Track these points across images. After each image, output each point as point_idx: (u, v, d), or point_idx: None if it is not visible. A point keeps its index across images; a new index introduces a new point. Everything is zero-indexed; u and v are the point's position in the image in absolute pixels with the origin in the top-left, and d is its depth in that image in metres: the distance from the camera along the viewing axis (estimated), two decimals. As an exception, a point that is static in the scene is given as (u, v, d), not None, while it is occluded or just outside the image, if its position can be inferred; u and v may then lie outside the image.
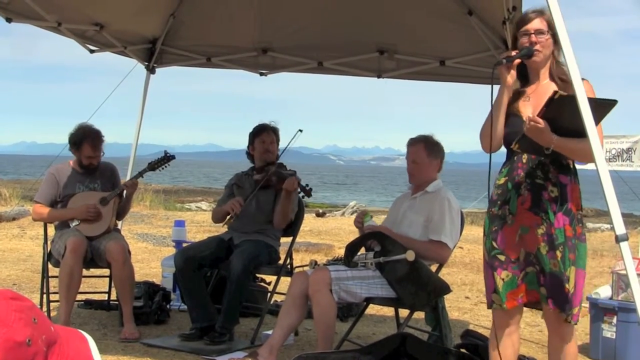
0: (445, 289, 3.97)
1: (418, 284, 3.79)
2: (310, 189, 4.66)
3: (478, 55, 5.26)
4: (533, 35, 2.92)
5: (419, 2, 5.12)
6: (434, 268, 4.04)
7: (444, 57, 5.48)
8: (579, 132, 2.64)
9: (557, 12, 2.70)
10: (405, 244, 3.83)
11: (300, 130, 4.67)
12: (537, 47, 2.92)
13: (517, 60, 2.89)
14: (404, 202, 4.21)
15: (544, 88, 2.97)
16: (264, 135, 4.85)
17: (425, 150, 4.10)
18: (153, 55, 5.94)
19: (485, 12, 4.81)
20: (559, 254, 2.83)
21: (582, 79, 2.66)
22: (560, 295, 2.83)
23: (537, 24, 2.93)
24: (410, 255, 3.68)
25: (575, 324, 2.94)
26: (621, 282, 4.36)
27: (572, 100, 2.63)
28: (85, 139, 4.72)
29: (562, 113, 2.71)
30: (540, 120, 2.72)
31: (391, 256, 3.76)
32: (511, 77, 2.90)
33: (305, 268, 4.15)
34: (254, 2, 5.46)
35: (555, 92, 2.72)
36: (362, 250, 4.03)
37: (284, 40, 5.72)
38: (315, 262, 4.07)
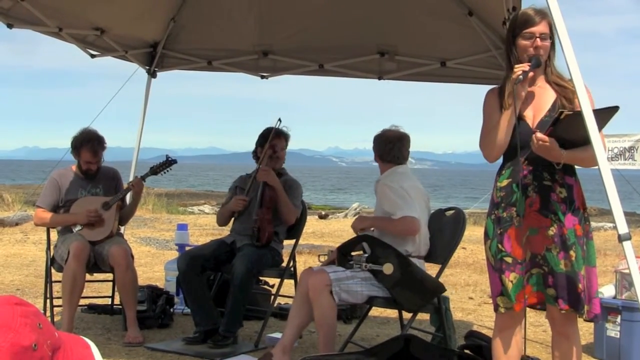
0: (440, 288, 3.95)
1: (412, 288, 3.80)
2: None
3: (479, 55, 5.27)
4: (539, 40, 2.89)
5: (419, 3, 5.13)
6: (435, 269, 4.04)
7: (444, 58, 5.49)
8: (585, 140, 2.67)
9: (557, 13, 2.70)
10: (380, 226, 4.01)
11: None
12: (541, 52, 2.90)
13: (531, 74, 2.88)
14: None
15: (541, 91, 2.98)
16: (275, 140, 4.77)
17: (377, 156, 4.27)
18: (154, 59, 5.95)
19: (486, 12, 4.81)
20: (572, 254, 2.83)
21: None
22: (574, 295, 2.82)
23: (542, 27, 2.90)
24: (387, 269, 3.73)
25: (592, 320, 2.94)
26: (625, 281, 4.35)
27: (577, 116, 2.67)
28: (85, 143, 4.71)
29: (568, 130, 2.75)
30: (547, 139, 2.76)
31: (377, 264, 3.79)
32: (525, 91, 2.91)
33: (323, 258, 4.17)
34: (253, 5, 5.47)
35: (561, 112, 2.73)
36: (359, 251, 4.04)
37: (285, 42, 5.73)
38: (331, 251, 4.11)
